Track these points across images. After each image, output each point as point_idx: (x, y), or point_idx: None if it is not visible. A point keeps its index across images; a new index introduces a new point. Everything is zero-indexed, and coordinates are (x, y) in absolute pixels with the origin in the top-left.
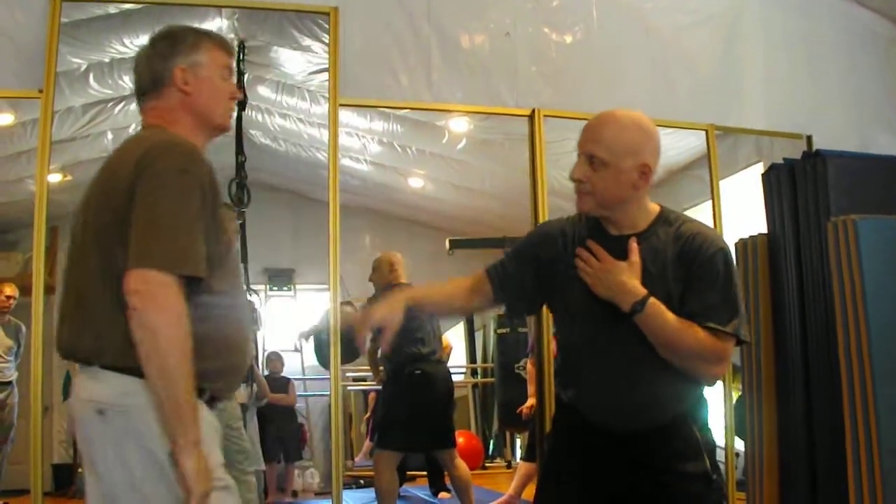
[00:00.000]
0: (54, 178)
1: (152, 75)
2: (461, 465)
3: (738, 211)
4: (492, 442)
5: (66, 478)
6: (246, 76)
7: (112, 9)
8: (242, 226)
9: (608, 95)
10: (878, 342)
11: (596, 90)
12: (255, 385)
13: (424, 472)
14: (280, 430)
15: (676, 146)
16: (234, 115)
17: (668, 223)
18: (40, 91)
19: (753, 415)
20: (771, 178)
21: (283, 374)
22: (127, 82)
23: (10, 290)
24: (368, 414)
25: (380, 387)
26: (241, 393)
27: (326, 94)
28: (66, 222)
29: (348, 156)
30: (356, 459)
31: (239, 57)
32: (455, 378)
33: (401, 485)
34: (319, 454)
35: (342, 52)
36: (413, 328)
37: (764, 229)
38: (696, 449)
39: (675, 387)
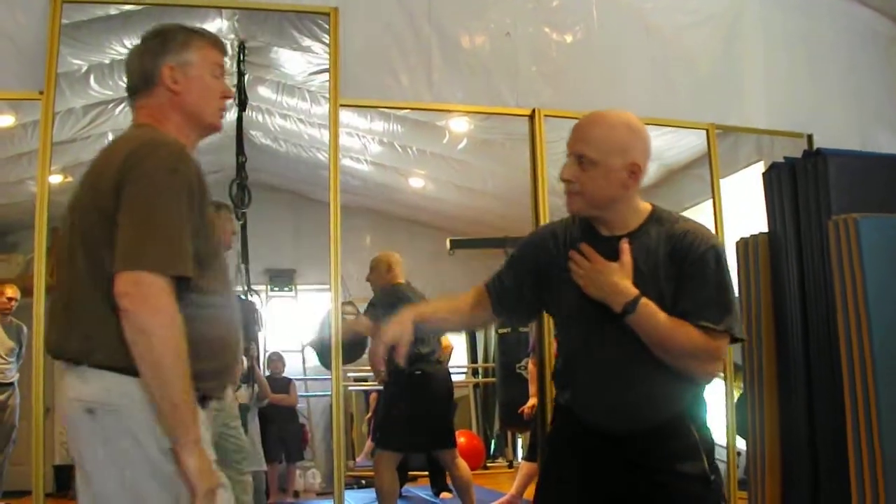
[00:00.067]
0: (55, 179)
1: (142, 74)
2: (462, 464)
3: (739, 210)
4: (493, 442)
5: (67, 479)
6: (246, 77)
7: (112, 10)
8: (243, 226)
9: (609, 95)
10: (880, 341)
11: (596, 90)
12: (256, 386)
13: (426, 472)
14: (281, 430)
15: (677, 145)
16: (235, 115)
17: (660, 222)
18: (41, 92)
19: (755, 414)
20: (772, 177)
21: (284, 374)
22: None
23: (11, 291)
24: (370, 414)
25: (381, 387)
26: (243, 393)
27: (327, 95)
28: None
29: (349, 156)
30: (357, 460)
31: (239, 58)
32: (456, 378)
33: (402, 485)
34: (321, 454)
35: (342, 52)
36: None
37: (765, 228)
38: (694, 449)
39: (671, 386)
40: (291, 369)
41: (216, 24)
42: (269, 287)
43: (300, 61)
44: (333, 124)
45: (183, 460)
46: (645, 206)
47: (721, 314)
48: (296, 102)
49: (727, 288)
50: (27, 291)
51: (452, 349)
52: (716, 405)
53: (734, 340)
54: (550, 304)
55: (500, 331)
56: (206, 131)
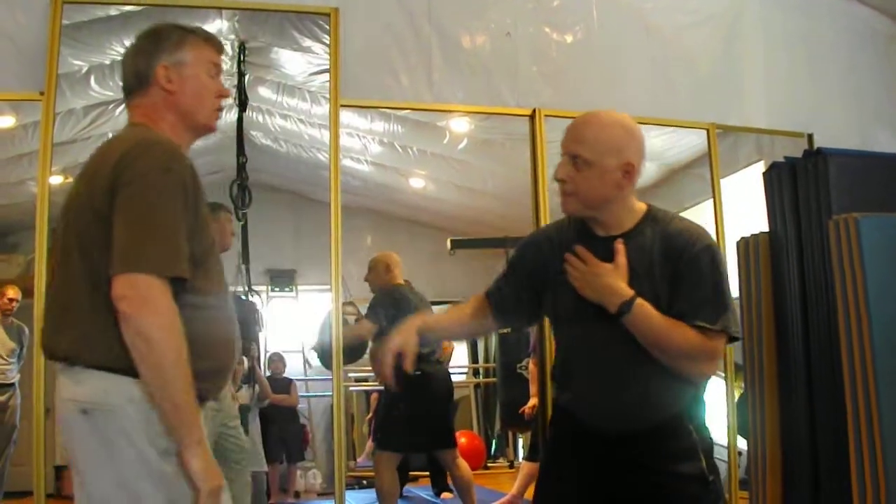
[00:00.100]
0: (55, 180)
1: (137, 73)
2: (463, 465)
3: (740, 210)
4: (494, 442)
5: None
6: (247, 77)
7: (113, 11)
8: (244, 227)
9: (609, 95)
10: (881, 340)
11: (597, 90)
12: (257, 386)
13: (427, 473)
14: (282, 430)
15: (677, 145)
16: (235, 116)
17: (655, 222)
18: (41, 93)
19: (756, 413)
20: (772, 177)
21: (285, 374)
22: None
23: (12, 292)
24: (370, 414)
25: (382, 387)
26: (244, 394)
27: (327, 95)
28: None
29: (349, 156)
30: (358, 460)
31: (239, 58)
32: (457, 378)
33: (403, 485)
34: (322, 455)
35: (343, 52)
36: None
37: (765, 228)
38: (693, 449)
39: (668, 387)
40: (292, 370)
41: (216, 25)
42: (269, 287)
43: (300, 62)
44: (334, 125)
45: (187, 461)
46: (640, 206)
47: (717, 314)
48: (296, 103)
49: (722, 287)
50: (28, 292)
51: (453, 349)
52: (717, 405)
53: (731, 340)
54: (548, 306)
55: (501, 331)
56: (201, 131)
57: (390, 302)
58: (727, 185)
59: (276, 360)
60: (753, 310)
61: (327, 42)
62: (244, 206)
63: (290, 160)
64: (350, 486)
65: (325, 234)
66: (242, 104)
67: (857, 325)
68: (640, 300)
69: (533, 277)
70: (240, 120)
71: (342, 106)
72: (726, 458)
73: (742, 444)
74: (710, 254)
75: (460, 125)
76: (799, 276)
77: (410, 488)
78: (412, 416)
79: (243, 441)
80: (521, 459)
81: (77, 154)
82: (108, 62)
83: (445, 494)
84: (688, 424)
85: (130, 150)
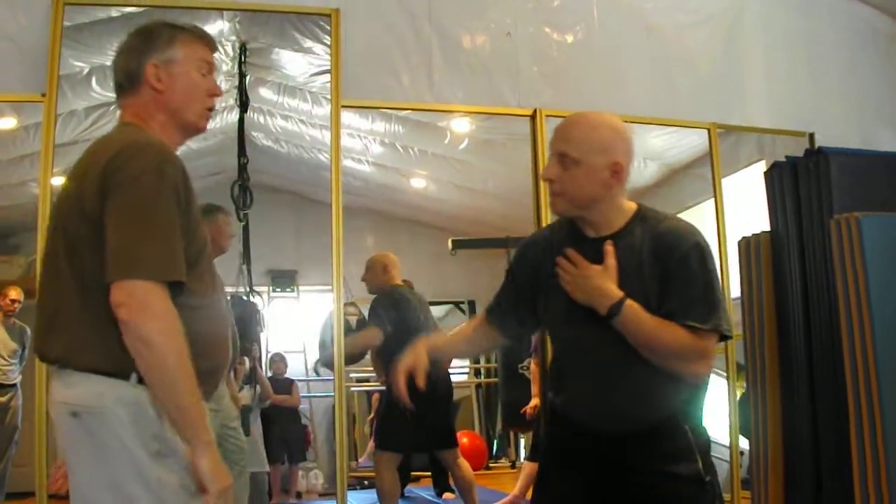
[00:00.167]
0: (57, 181)
1: (127, 72)
2: (464, 465)
3: (741, 209)
4: (496, 442)
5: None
6: (247, 78)
7: (114, 12)
8: (245, 228)
9: (609, 95)
10: (883, 339)
11: (597, 89)
12: (258, 386)
13: (429, 473)
14: (284, 431)
15: (678, 145)
16: (237, 117)
17: (645, 221)
18: (43, 94)
19: (758, 413)
20: (773, 176)
21: (286, 375)
22: None
23: (14, 293)
24: (372, 415)
25: (384, 387)
26: (245, 394)
27: (328, 96)
28: None
29: (350, 157)
30: (360, 460)
31: (240, 59)
32: (458, 378)
33: (405, 485)
34: (323, 455)
35: (343, 53)
36: (411, 329)
37: (767, 227)
38: (688, 450)
39: (662, 388)
40: (293, 370)
41: (217, 26)
42: (271, 288)
43: (301, 62)
44: (335, 125)
45: (195, 461)
46: (630, 206)
47: (707, 313)
48: (297, 103)
49: (712, 286)
50: (30, 293)
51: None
52: (718, 405)
53: (723, 338)
54: (541, 308)
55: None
56: (190, 131)
57: (390, 303)
58: (728, 184)
59: (278, 361)
60: (755, 309)
61: (328, 43)
62: (245, 206)
63: (291, 161)
64: (352, 487)
65: (326, 234)
66: (243, 105)
67: (859, 325)
68: (629, 301)
69: (529, 285)
70: (241, 121)
71: (343, 106)
72: (728, 458)
73: (744, 443)
74: (699, 252)
75: (461, 125)
76: (800, 276)
77: (412, 488)
78: (412, 416)
79: (243, 442)
80: (522, 459)
81: (78, 155)
82: (109, 63)
83: (447, 495)
84: (683, 425)
85: (122, 152)
